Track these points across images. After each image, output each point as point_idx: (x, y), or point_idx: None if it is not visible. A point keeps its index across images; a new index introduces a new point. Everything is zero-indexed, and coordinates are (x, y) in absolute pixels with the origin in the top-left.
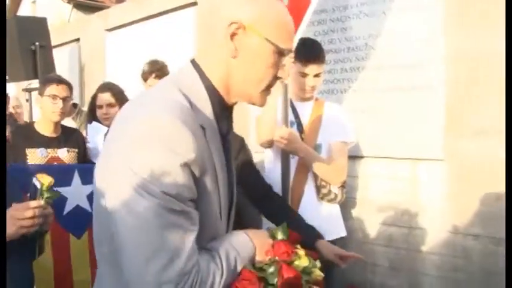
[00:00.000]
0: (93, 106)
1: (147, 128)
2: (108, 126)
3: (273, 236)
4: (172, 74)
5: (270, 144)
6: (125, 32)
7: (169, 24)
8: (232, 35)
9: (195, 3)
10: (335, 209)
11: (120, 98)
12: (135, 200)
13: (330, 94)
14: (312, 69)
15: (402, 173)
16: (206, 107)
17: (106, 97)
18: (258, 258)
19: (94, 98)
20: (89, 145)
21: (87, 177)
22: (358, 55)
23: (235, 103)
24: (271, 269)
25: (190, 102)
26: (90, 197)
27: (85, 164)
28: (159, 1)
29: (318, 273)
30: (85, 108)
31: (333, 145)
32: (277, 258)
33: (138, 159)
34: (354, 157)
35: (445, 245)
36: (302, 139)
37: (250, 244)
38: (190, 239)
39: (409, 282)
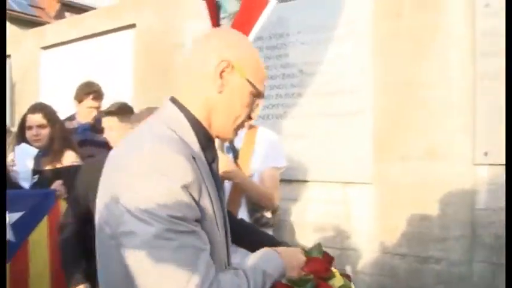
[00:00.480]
0: (23, 127)
1: (146, 162)
2: (39, 147)
3: (307, 254)
4: (156, 113)
5: None
6: (61, 51)
7: (107, 45)
8: (221, 72)
9: (133, 26)
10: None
11: (53, 119)
12: (144, 229)
13: (265, 119)
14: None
15: (335, 196)
16: (192, 139)
17: (37, 118)
18: (290, 273)
19: (24, 118)
20: (16, 168)
21: (14, 204)
22: (293, 82)
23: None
24: (309, 285)
25: (179, 136)
26: (14, 226)
27: (13, 190)
28: (97, 21)
29: None
30: (14, 129)
31: (265, 171)
32: (312, 275)
33: (141, 191)
34: (290, 181)
35: (374, 265)
36: (236, 165)
37: (279, 261)
38: (203, 257)
39: None
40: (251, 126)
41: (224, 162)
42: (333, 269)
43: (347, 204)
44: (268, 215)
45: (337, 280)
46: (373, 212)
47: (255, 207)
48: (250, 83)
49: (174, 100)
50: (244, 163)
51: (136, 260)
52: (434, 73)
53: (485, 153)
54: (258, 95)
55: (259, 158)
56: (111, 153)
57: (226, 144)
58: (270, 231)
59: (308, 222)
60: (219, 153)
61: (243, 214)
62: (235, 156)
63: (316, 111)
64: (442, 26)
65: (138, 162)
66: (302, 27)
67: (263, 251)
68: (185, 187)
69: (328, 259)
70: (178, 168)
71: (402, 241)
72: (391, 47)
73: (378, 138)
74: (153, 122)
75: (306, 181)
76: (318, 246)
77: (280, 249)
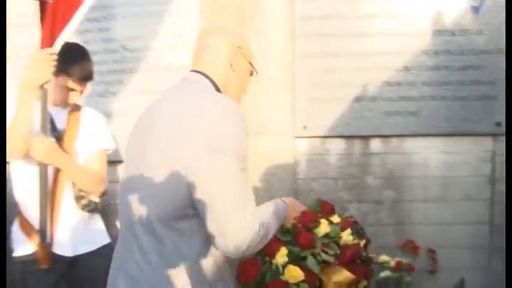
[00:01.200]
0: None
1: (222, 112)
2: None
3: (309, 208)
4: (189, 81)
5: (22, 155)
6: None
7: None
8: (235, 55)
9: None
10: (96, 217)
11: None
12: (221, 163)
13: (87, 97)
14: (82, 86)
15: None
16: None
17: None
18: (288, 222)
19: None
20: None
21: None
22: (115, 58)
23: None
24: (290, 235)
25: None
26: None
27: None
28: None
29: (346, 239)
30: None
31: (91, 153)
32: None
33: (221, 134)
34: (114, 162)
35: None
36: (61, 148)
37: (286, 213)
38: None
39: None
40: (75, 106)
41: (44, 145)
42: (325, 219)
43: None
44: (95, 199)
45: (322, 228)
46: None
47: (82, 193)
48: (250, 63)
49: (199, 72)
50: (69, 145)
51: (216, 187)
52: (256, 53)
53: (304, 127)
54: (251, 72)
55: (84, 139)
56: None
57: (48, 125)
58: (97, 216)
59: None
60: (41, 136)
61: (68, 199)
62: (58, 138)
63: (140, 88)
64: (262, 10)
65: (214, 114)
66: None
67: (275, 200)
68: (246, 136)
69: (326, 210)
70: (243, 122)
71: None
72: (215, 24)
73: None
74: (202, 87)
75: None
76: (317, 201)
77: (288, 199)
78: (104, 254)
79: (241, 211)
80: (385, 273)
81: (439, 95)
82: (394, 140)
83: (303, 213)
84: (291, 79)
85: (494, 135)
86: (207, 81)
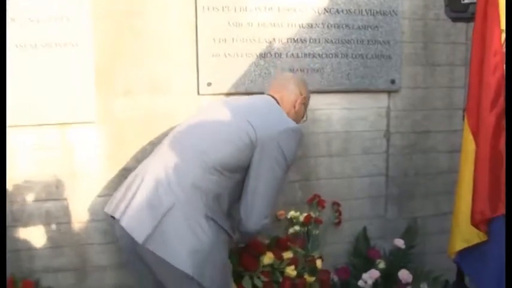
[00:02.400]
0: None
1: (292, 132)
2: None
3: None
4: (267, 99)
5: None
6: None
7: None
8: (299, 100)
9: None
10: None
11: None
12: (277, 167)
13: None
14: None
15: (51, 140)
16: None
17: None
18: None
19: None
20: None
21: None
22: None
23: None
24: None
25: None
26: None
27: None
28: None
29: (289, 272)
30: None
31: None
32: None
33: (286, 145)
34: None
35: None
36: None
37: None
38: None
39: (79, 257)
40: None
41: None
42: (268, 253)
43: (67, 148)
44: None
45: (266, 259)
46: (99, 153)
47: None
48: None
49: (275, 99)
50: None
51: (267, 184)
52: (156, 8)
53: (209, 84)
54: (304, 116)
55: None
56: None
57: None
58: None
59: (19, 175)
60: None
61: None
62: None
63: (25, 41)
64: None
65: (288, 133)
66: None
67: None
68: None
69: (279, 246)
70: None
71: None
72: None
73: (98, 72)
74: (280, 109)
75: (15, 126)
76: (273, 238)
77: None
78: None
79: (266, 213)
80: (293, 229)
81: (340, 52)
82: None
83: (254, 242)
84: (194, 34)
85: (389, 92)
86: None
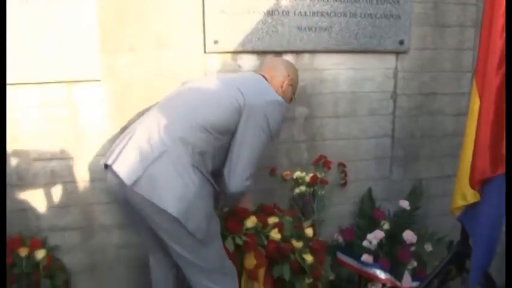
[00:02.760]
0: None
1: (278, 104)
2: None
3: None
4: (258, 76)
5: None
6: None
7: None
8: (287, 82)
9: None
10: None
11: None
12: (261, 133)
13: None
14: None
15: (56, 99)
16: None
17: None
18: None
19: None
20: None
21: None
22: None
23: None
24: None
25: None
26: None
27: None
28: None
29: (273, 235)
30: None
31: None
32: None
33: (271, 115)
34: None
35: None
36: None
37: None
38: None
39: (84, 216)
40: None
41: None
42: (252, 217)
43: (72, 107)
44: None
45: (248, 223)
46: (105, 112)
47: None
48: (293, 93)
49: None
50: None
51: (252, 144)
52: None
53: (215, 42)
54: (291, 99)
55: None
56: (250, 77)
57: None
58: None
59: (24, 133)
60: None
61: None
62: None
63: None
64: None
65: (274, 103)
66: None
67: None
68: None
69: (265, 211)
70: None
71: None
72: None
73: (103, 29)
74: (266, 83)
75: (20, 84)
76: (259, 206)
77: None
78: None
79: (247, 175)
80: (299, 189)
81: (349, 11)
82: (306, 56)
83: (239, 209)
84: None
85: (397, 52)
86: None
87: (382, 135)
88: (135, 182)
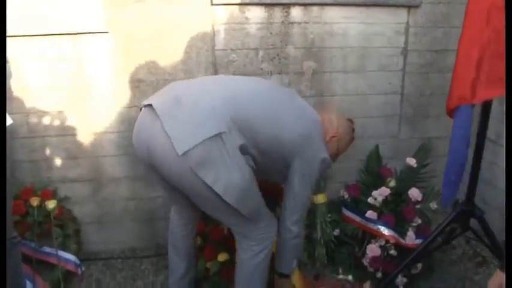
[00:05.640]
0: None
1: (325, 159)
2: None
3: None
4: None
5: None
6: None
7: None
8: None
9: None
10: None
11: None
12: (308, 186)
13: None
14: None
15: (63, 51)
16: None
17: None
18: None
19: None
20: None
21: None
22: None
23: None
24: None
25: None
26: None
27: None
28: None
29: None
30: None
31: None
32: None
33: (315, 167)
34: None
35: (121, 121)
36: None
37: None
38: None
39: (94, 168)
40: None
41: None
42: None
43: (80, 59)
44: None
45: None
46: (112, 64)
47: None
48: (338, 150)
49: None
50: None
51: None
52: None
53: None
54: (335, 155)
55: None
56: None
57: None
58: None
59: (33, 86)
60: None
61: None
62: None
63: None
64: None
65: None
66: None
67: None
68: None
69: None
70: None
71: (147, 91)
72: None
73: None
74: None
75: (26, 36)
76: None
77: None
78: None
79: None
80: None
81: None
82: (315, 9)
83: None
84: None
85: (409, 7)
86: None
87: (392, 92)
88: (185, 153)
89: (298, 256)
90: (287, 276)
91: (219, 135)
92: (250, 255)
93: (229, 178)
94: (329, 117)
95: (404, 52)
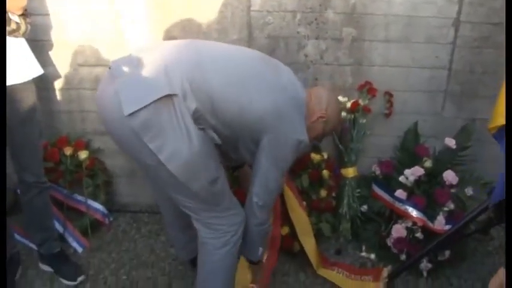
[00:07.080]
0: None
1: (301, 143)
2: None
3: None
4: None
5: None
6: None
7: None
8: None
9: None
10: (22, 43)
11: None
12: (278, 170)
13: None
14: None
15: (101, 8)
16: None
17: None
18: None
19: None
20: None
21: None
22: None
23: None
24: None
25: None
26: None
27: None
28: None
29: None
30: None
31: None
32: None
33: (291, 158)
34: None
35: None
36: None
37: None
38: None
39: None
40: None
41: None
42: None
43: (114, 14)
44: (15, 19)
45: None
46: (147, 19)
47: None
48: (322, 134)
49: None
50: None
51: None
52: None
53: None
54: (318, 139)
55: None
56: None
57: None
58: (23, 42)
59: (70, 39)
60: None
61: None
62: None
63: None
64: None
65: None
66: None
67: None
68: None
69: None
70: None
71: None
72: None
73: None
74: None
75: None
76: None
77: None
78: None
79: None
80: None
81: None
82: None
83: None
84: None
85: None
86: (304, 109)
87: (438, 66)
88: (131, 114)
89: (263, 244)
90: (256, 263)
91: (169, 98)
92: (208, 250)
93: (175, 146)
94: (318, 96)
95: (456, 23)
